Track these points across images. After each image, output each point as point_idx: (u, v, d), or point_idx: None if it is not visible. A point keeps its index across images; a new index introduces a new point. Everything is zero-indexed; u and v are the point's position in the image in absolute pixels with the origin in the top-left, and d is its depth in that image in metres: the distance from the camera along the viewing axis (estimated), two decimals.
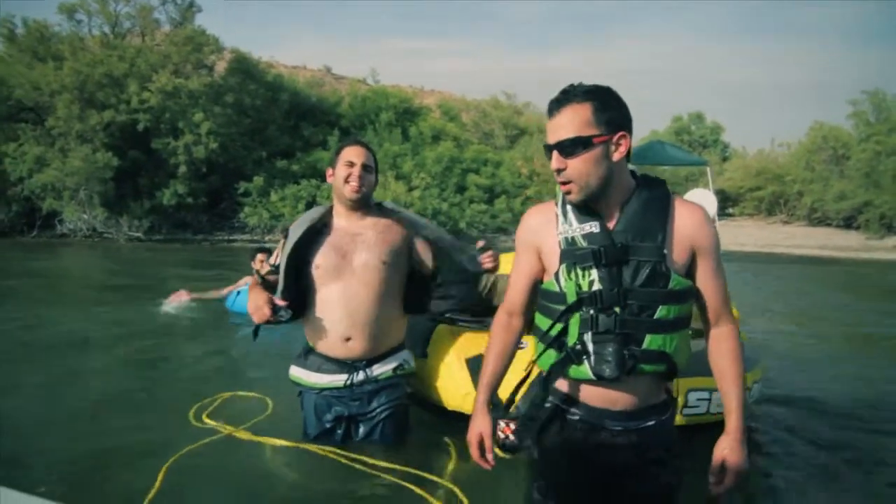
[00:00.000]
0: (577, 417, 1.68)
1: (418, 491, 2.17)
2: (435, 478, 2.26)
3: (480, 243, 2.53)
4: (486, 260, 2.52)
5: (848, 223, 16.18)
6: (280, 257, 2.48)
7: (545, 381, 1.69)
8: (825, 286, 9.47)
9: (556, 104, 1.53)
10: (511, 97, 27.54)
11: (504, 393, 2.66)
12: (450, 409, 2.79)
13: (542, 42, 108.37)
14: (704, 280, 1.62)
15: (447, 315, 3.18)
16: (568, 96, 1.52)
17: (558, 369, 1.64)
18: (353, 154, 2.48)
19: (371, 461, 2.34)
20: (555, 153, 1.52)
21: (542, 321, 1.66)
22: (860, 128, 17.83)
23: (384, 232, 2.47)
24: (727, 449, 1.59)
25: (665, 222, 1.59)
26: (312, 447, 2.48)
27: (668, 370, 1.63)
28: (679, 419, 2.15)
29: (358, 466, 2.31)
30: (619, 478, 1.68)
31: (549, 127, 1.55)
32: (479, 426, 1.71)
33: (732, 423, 1.59)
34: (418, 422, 2.71)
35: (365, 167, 2.46)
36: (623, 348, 1.58)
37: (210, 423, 2.77)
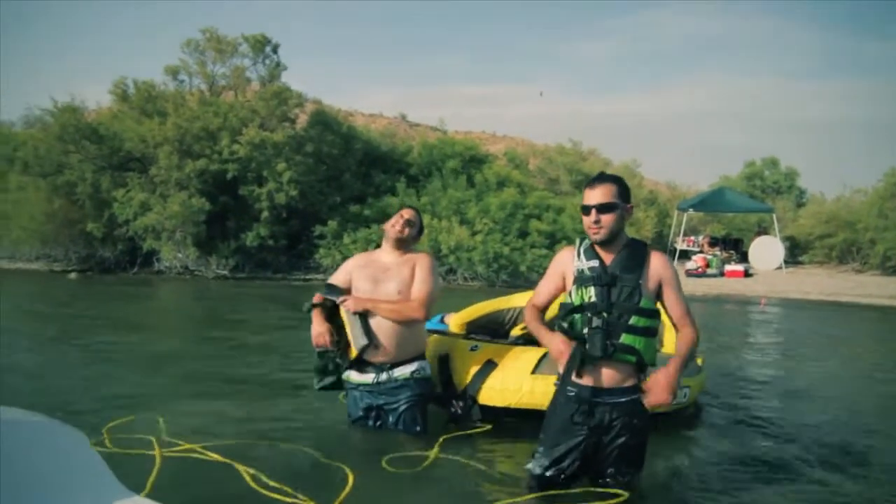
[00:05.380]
0: (572, 394, 2.54)
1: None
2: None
3: None
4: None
5: None
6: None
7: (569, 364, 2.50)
8: (877, 335, 9.38)
9: (595, 181, 2.56)
10: (577, 144, 28.08)
11: (462, 382, 3.66)
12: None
13: (613, 85, 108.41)
14: (667, 299, 2.54)
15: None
16: (601, 178, 2.57)
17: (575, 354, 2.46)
18: (406, 212, 3.52)
19: (271, 482, 2.83)
20: (594, 210, 2.50)
21: (560, 323, 2.56)
22: None
23: (404, 267, 3.33)
24: (661, 377, 2.39)
25: (642, 264, 2.52)
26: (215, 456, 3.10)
27: (638, 362, 2.48)
28: None
29: (253, 485, 2.84)
30: (597, 435, 2.51)
31: (590, 194, 2.51)
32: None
33: (671, 366, 2.40)
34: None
35: (409, 221, 3.44)
36: (606, 339, 2.44)
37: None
